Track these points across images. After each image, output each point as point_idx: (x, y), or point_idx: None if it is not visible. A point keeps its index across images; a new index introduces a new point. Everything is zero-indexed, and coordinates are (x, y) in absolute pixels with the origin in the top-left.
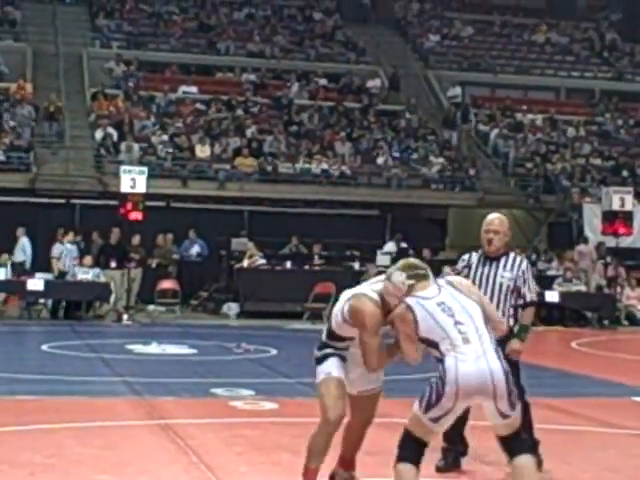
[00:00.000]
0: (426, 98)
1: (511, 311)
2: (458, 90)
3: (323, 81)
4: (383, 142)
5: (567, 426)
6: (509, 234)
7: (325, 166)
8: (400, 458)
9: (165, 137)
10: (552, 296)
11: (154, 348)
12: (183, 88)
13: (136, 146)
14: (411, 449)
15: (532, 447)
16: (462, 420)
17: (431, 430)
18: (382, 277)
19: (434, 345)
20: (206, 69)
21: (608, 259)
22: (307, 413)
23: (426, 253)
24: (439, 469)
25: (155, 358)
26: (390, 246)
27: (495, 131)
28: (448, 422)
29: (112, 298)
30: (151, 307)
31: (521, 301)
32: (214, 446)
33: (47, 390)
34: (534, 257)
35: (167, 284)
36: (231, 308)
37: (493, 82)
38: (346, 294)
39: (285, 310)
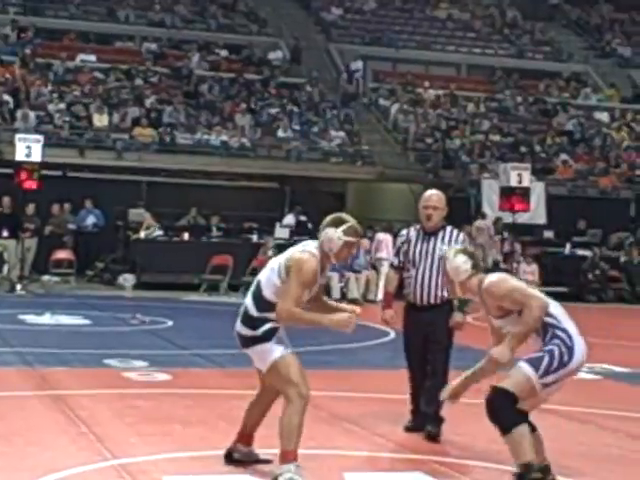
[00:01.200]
0: (327, 71)
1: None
2: (360, 64)
3: (224, 52)
4: (283, 114)
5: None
6: (446, 209)
7: (225, 137)
8: (515, 423)
9: (62, 105)
10: None
11: (47, 319)
12: (81, 56)
13: (32, 114)
14: (518, 411)
15: None
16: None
17: (536, 394)
18: (309, 242)
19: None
20: (105, 38)
21: (505, 235)
22: (201, 384)
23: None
24: (408, 429)
25: (48, 329)
26: (289, 219)
27: (396, 106)
28: (553, 393)
29: (5, 267)
30: (46, 277)
31: None
32: (105, 417)
33: None
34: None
35: (62, 254)
36: (127, 279)
37: (395, 57)
38: (275, 259)
39: (182, 282)
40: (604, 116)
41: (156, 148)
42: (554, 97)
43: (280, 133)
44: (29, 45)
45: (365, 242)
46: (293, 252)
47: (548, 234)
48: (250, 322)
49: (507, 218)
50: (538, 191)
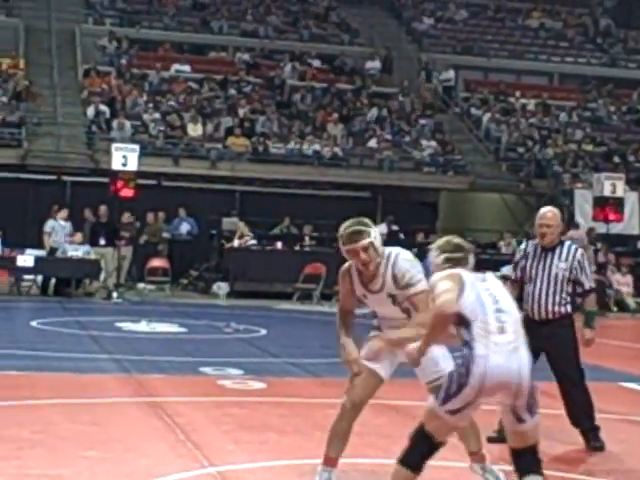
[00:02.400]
0: (419, 81)
1: (568, 299)
2: (451, 73)
3: (316, 62)
4: (375, 124)
5: (557, 410)
6: (561, 226)
7: (317, 147)
8: (401, 460)
9: (157, 115)
10: None
11: (143, 326)
12: (176, 66)
13: (128, 124)
14: (416, 452)
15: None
16: None
17: (447, 424)
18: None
19: (466, 324)
20: (199, 48)
21: (598, 245)
22: (295, 393)
23: (419, 237)
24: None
25: (144, 336)
26: (381, 228)
27: (487, 115)
28: (466, 417)
29: (102, 275)
30: (141, 285)
31: (581, 289)
32: (202, 424)
33: (36, 366)
34: (525, 242)
35: (157, 262)
36: (221, 287)
37: (486, 66)
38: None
39: (275, 290)
40: None
41: (249, 157)
42: None
43: (372, 143)
44: (125, 56)
45: None
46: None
47: None
48: None
49: (601, 228)
50: (632, 201)
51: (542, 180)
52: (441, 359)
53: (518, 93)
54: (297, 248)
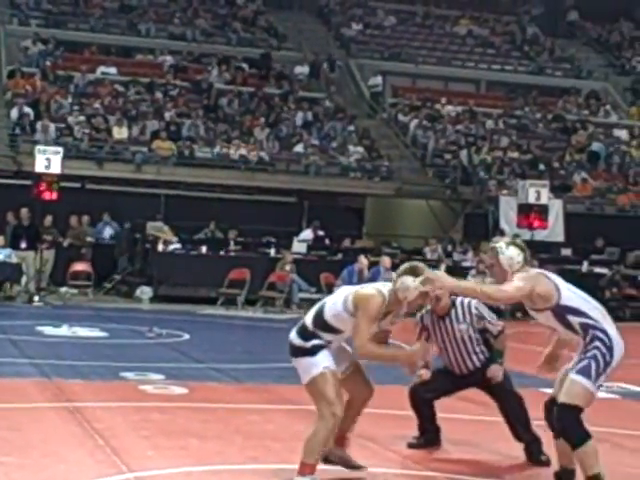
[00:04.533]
0: (347, 86)
1: (481, 346)
2: (379, 79)
3: (244, 66)
4: (302, 129)
5: (477, 416)
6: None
7: (243, 151)
8: (587, 437)
9: (82, 118)
10: None
11: (65, 330)
12: (102, 69)
13: (52, 126)
14: (583, 425)
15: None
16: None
17: (594, 398)
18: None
19: (579, 313)
20: (126, 50)
21: None
22: (217, 398)
23: (345, 242)
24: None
25: (65, 340)
26: (307, 233)
27: (414, 121)
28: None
29: (23, 279)
30: (63, 289)
31: (489, 334)
32: (121, 430)
33: None
34: (450, 248)
35: (80, 266)
36: (144, 292)
37: (414, 72)
38: (348, 288)
39: (199, 295)
40: (623, 134)
41: (175, 161)
42: (573, 114)
43: (298, 148)
44: (50, 57)
45: (387, 260)
46: (362, 288)
47: (566, 252)
48: (303, 333)
49: (525, 235)
50: (556, 208)
51: (468, 187)
52: None
53: (445, 100)
54: (222, 253)
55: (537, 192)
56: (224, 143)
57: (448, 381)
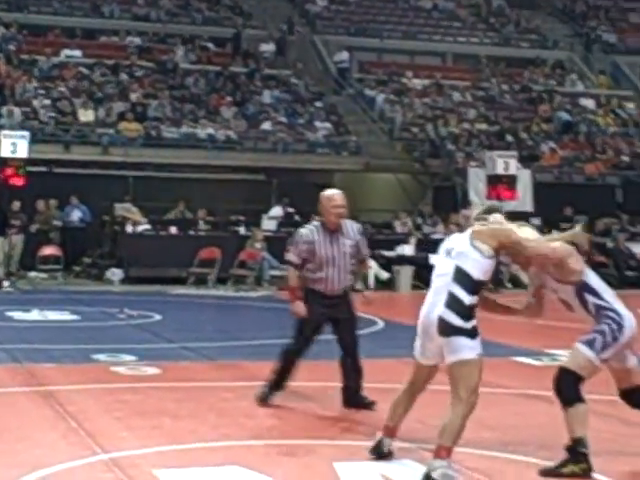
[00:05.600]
0: (313, 63)
1: (350, 271)
2: (345, 55)
3: (209, 45)
4: (269, 107)
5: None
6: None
7: (211, 131)
8: (577, 399)
9: (47, 101)
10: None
11: (35, 315)
12: (66, 52)
13: (17, 110)
14: (578, 390)
15: None
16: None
17: (597, 370)
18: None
19: (596, 294)
20: (90, 32)
21: None
22: (190, 377)
23: (315, 218)
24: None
25: (36, 325)
26: (276, 211)
27: (381, 96)
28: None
29: None
30: (33, 274)
31: (360, 257)
32: (94, 412)
33: None
34: (420, 221)
35: (49, 250)
36: (115, 274)
37: (380, 47)
38: (457, 242)
39: (169, 275)
40: (590, 102)
41: (142, 142)
42: (539, 85)
43: (266, 125)
44: (13, 41)
45: None
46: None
47: (535, 221)
48: (461, 310)
49: None
50: (524, 179)
51: (436, 159)
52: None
53: (411, 73)
54: (191, 233)
55: (505, 163)
56: (191, 123)
57: (314, 323)
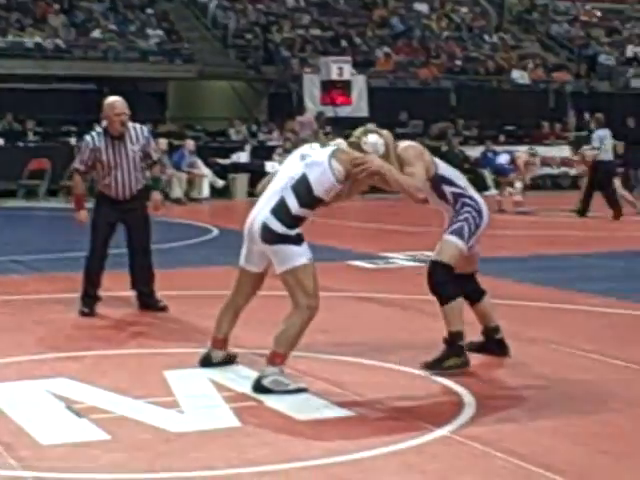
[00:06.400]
0: None
1: (140, 175)
2: None
3: None
4: (98, 14)
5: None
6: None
7: (38, 39)
8: (455, 294)
9: None
10: (272, 167)
11: None
12: None
13: None
14: (455, 284)
15: None
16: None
17: (463, 258)
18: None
19: (451, 183)
20: None
21: (328, 129)
22: (18, 291)
23: (148, 127)
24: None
25: None
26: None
27: (214, 2)
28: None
29: None
30: None
31: (150, 161)
32: None
33: None
34: (255, 128)
35: None
36: None
37: None
38: (317, 158)
39: None
40: (424, 7)
41: None
42: None
43: (96, 33)
44: None
45: (191, 142)
46: (338, 150)
47: (370, 127)
48: (286, 219)
49: (329, 112)
50: (359, 84)
51: (271, 66)
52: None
53: None
54: (20, 144)
55: (339, 69)
56: (17, 31)
57: (103, 228)
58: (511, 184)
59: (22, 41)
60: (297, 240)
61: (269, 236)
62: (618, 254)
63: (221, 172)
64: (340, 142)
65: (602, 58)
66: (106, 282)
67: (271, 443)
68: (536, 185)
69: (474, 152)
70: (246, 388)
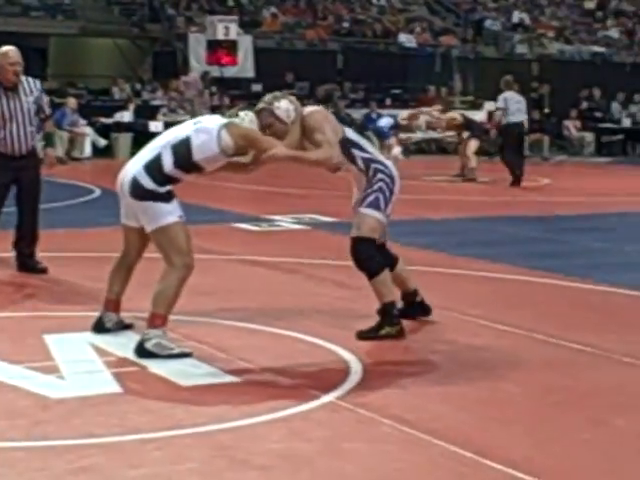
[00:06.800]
0: None
1: (34, 131)
2: None
3: None
4: None
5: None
6: None
7: None
8: (382, 267)
9: None
10: (156, 126)
11: None
12: None
13: None
14: (380, 255)
15: None
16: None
17: (384, 228)
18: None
19: (361, 148)
20: None
21: (213, 89)
22: None
23: None
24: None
25: None
26: None
27: None
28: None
29: None
30: None
31: (43, 115)
32: None
33: None
34: (139, 87)
35: None
36: None
37: None
38: (209, 125)
39: None
40: None
41: None
42: None
43: None
44: None
45: (73, 101)
46: (230, 123)
47: (256, 87)
48: (157, 176)
49: (215, 72)
50: (245, 44)
51: (156, 24)
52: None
53: None
54: None
55: (226, 28)
56: None
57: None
58: (389, 148)
59: None
60: (166, 197)
61: (138, 191)
62: (504, 219)
63: (104, 131)
64: (248, 113)
65: (488, 23)
66: None
67: (154, 410)
68: (421, 149)
69: (359, 115)
70: (128, 353)
